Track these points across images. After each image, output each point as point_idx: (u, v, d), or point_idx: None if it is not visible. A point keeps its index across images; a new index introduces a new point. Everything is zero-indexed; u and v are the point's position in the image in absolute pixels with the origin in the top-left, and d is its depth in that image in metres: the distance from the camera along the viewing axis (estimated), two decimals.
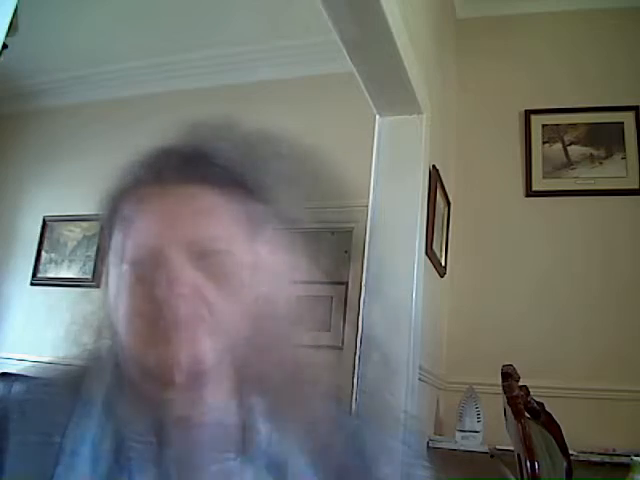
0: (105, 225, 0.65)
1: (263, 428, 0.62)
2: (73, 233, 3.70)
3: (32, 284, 3.71)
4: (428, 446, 2.23)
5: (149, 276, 0.59)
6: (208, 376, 0.60)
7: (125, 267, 0.60)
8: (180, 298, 0.58)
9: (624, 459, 1.87)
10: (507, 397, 1.58)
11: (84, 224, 3.64)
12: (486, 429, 2.21)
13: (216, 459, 0.60)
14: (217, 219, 0.61)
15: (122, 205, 0.63)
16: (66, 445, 0.57)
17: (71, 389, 0.61)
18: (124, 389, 0.61)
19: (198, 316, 0.58)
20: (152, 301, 0.58)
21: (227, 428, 0.62)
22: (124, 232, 0.61)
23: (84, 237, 3.65)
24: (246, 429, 0.62)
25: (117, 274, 0.62)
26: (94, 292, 0.68)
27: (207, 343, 0.58)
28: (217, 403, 0.62)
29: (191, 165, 0.61)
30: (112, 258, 0.63)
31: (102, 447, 0.58)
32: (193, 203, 0.61)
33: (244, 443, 0.61)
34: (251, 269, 0.62)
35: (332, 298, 3.40)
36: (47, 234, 3.76)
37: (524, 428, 1.47)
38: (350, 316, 2.93)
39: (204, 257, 0.59)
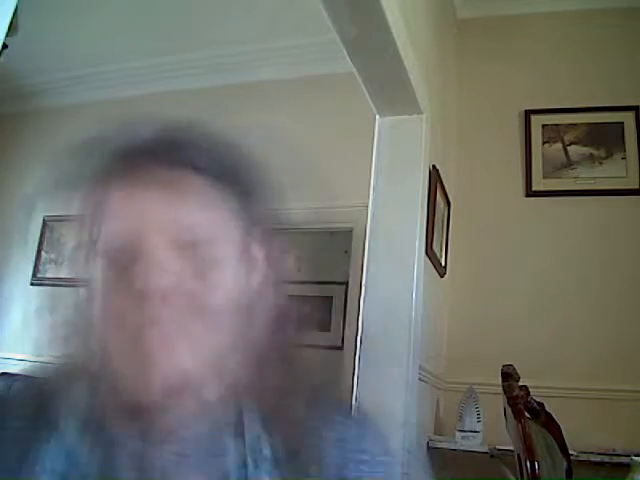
0: (81, 217, 0.61)
1: (261, 437, 0.59)
2: (73, 233, 3.69)
3: (32, 284, 3.71)
4: (428, 446, 2.23)
5: (127, 269, 0.54)
6: (196, 383, 0.55)
7: (100, 260, 0.56)
8: (162, 293, 0.53)
9: (624, 459, 1.87)
10: (507, 397, 1.58)
11: None
12: (486, 429, 2.20)
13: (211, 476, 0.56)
14: (205, 211, 0.57)
15: (97, 194, 0.58)
16: (42, 463, 0.54)
17: (44, 403, 0.57)
18: (104, 400, 0.56)
19: (183, 316, 0.54)
20: (131, 297, 0.53)
21: (221, 441, 0.58)
22: (101, 222, 0.57)
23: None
24: (242, 440, 0.58)
25: (94, 269, 0.57)
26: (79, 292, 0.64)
27: (195, 344, 0.54)
28: (208, 413, 0.57)
29: (177, 154, 0.57)
30: (89, 252, 0.58)
31: (80, 465, 0.54)
32: (176, 190, 0.56)
33: (240, 454, 0.58)
34: (241, 266, 0.58)
35: (332, 298, 3.41)
36: (47, 234, 3.76)
37: (524, 428, 1.47)
38: (350, 316, 2.93)
39: (188, 248, 0.55)
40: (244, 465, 0.57)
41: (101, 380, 0.57)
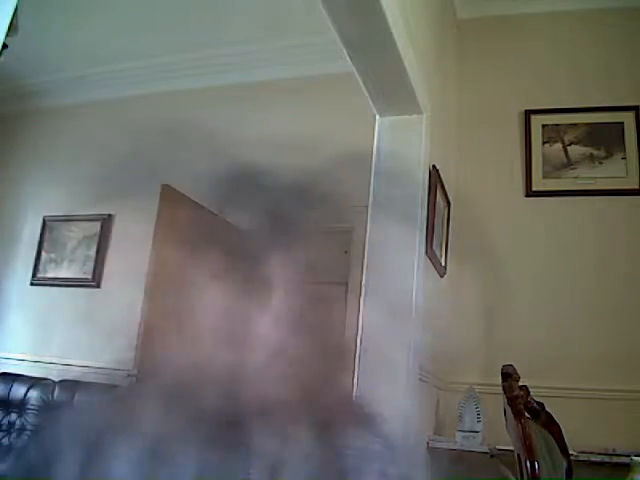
0: None
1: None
2: (73, 233, 3.70)
3: (32, 284, 3.71)
4: (428, 446, 2.23)
5: None
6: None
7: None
8: None
9: (624, 459, 1.87)
10: (507, 397, 1.58)
11: (84, 224, 3.64)
12: (486, 429, 2.21)
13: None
14: None
15: None
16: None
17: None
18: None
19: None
20: None
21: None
22: None
23: (84, 237, 3.65)
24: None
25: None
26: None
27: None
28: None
29: None
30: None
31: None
32: None
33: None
34: None
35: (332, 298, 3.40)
36: (47, 234, 3.76)
37: (524, 428, 1.47)
38: (350, 316, 2.93)
39: None
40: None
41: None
